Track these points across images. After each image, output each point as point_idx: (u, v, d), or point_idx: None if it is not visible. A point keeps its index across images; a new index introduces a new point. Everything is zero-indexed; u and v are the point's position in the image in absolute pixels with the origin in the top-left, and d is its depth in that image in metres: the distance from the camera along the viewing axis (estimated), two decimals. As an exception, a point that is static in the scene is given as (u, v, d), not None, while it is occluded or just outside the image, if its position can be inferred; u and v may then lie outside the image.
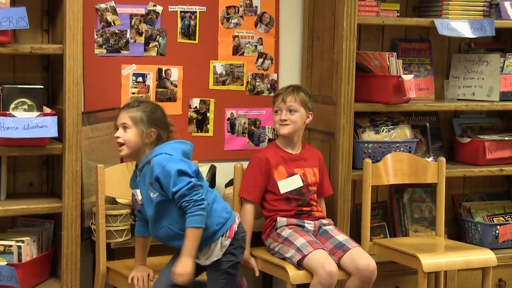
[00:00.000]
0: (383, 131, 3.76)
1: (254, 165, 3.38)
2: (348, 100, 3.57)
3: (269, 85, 3.86)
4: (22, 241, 3.10)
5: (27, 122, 3.02)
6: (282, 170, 3.38)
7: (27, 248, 3.11)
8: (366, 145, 3.68)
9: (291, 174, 3.39)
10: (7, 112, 3.04)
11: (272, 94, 3.81)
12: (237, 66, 3.79)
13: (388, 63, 3.64)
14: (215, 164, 3.66)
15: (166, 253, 3.13)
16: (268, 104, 3.80)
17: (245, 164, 3.44)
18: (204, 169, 3.55)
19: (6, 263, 3.04)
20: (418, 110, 3.87)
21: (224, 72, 3.76)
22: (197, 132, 3.73)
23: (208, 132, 3.76)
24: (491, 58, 3.94)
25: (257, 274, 3.39)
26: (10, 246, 3.07)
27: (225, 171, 3.68)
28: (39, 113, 3.07)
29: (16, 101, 3.08)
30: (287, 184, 3.37)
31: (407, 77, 3.63)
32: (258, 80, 3.84)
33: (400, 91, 3.62)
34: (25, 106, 3.09)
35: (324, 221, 3.42)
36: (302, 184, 3.38)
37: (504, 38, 4.18)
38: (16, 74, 3.31)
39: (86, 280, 3.32)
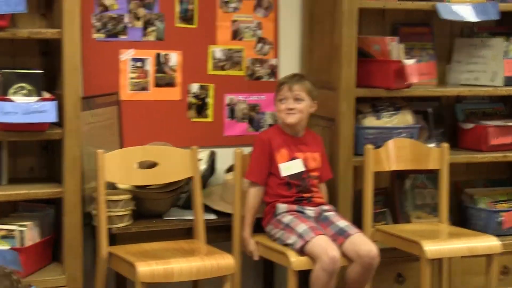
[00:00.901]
0: (384, 116, 3.89)
1: (257, 146, 3.56)
2: (349, 85, 3.71)
3: (269, 70, 4.03)
4: (24, 226, 3.24)
5: (26, 107, 3.16)
6: (284, 153, 3.54)
7: (29, 232, 3.25)
8: (367, 131, 3.82)
9: (293, 158, 3.55)
10: (6, 97, 3.18)
11: (272, 80, 3.99)
12: (236, 51, 3.96)
13: (389, 48, 3.76)
14: (215, 149, 3.84)
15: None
16: (267, 90, 3.97)
17: (245, 149, 3.62)
18: (203, 155, 3.75)
19: (9, 247, 3.18)
20: (420, 96, 3.99)
21: (223, 57, 3.94)
22: (197, 117, 3.90)
23: (207, 117, 3.92)
24: (494, 43, 4.05)
25: (255, 258, 3.57)
26: (13, 230, 3.20)
27: (225, 156, 3.83)
28: (38, 98, 3.21)
29: (15, 86, 3.22)
30: (288, 168, 3.53)
31: (409, 62, 3.75)
32: (257, 65, 4.01)
33: (402, 76, 3.74)
34: (25, 91, 3.23)
35: (325, 207, 3.57)
36: (303, 169, 3.54)
37: (508, 21, 4.23)
38: (15, 59, 3.45)
39: (88, 265, 3.48)
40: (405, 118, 3.94)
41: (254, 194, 3.54)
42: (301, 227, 3.39)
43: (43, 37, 3.32)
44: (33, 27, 3.43)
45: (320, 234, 3.36)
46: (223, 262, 3.26)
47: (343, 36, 3.69)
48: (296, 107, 3.53)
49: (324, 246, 3.31)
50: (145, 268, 3.10)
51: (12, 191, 3.28)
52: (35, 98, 3.23)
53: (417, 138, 3.94)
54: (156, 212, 3.60)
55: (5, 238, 3.22)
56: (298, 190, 3.55)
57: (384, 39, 3.80)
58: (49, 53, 3.51)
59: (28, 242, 3.27)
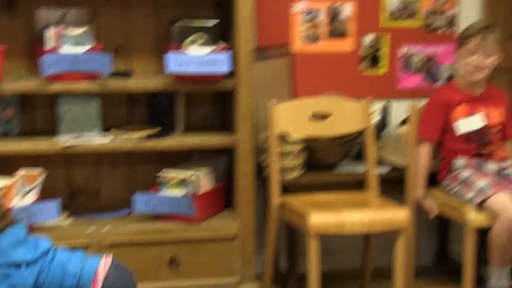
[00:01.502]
0: None
1: (432, 104, 3.49)
2: (538, 36, 3.58)
3: (446, 22, 3.93)
4: (199, 173, 3.37)
5: (201, 58, 3.26)
6: (462, 109, 3.45)
7: (203, 180, 3.37)
8: (555, 83, 3.69)
9: (472, 114, 3.45)
10: (182, 48, 3.30)
11: (450, 31, 3.88)
12: (412, 1, 3.87)
13: None
14: (389, 102, 3.80)
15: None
16: (445, 41, 3.88)
17: (420, 103, 3.56)
18: (377, 107, 3.72)
19: (184, 193, 3.33)
20: None
21: (398, 7, 3.87)
22: (370, 69, 3.88)
23: (381, 69, 3.89)
24: None
25: (432, 216, 3.50)
26: (188, 177, 3.33)
27: (399, 109, 3.79)
28: (212, 49, 3.31)
29: (190, 37, 3.34)
30: (467, 123, 3.44)
31: None
32: (434, 16, 3.92)
33: None
34: (199, 42, 3.35)
35: (507, 164, 3.45)
36: (483, 124, 3.44)
37: None
38: (187, 10, 3.56)
39: (259, 216, 3.54)
40: None
41: (426, 153, 3.47)
42: (481, 182, 3.30)
43: (217, -12, 3.41)
44: (208, -22, 3.52)
45: (502, 191, 3.23)
46: (397, 215, 3.22)
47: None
48: (485, 63, 3.39)
49: (505, 204, 3.21)
50: (317, 219, 3.12)
51: (187, 140, 3.40)
52: (209, 49, 3.32)
53: None
54: (327, 163, 3.62)
55: (181, 185, 3.35)
56: (478, 144, 3.45)
57: None
58: (222, 4, 3.59)
59: (202, 189, 3.39)
